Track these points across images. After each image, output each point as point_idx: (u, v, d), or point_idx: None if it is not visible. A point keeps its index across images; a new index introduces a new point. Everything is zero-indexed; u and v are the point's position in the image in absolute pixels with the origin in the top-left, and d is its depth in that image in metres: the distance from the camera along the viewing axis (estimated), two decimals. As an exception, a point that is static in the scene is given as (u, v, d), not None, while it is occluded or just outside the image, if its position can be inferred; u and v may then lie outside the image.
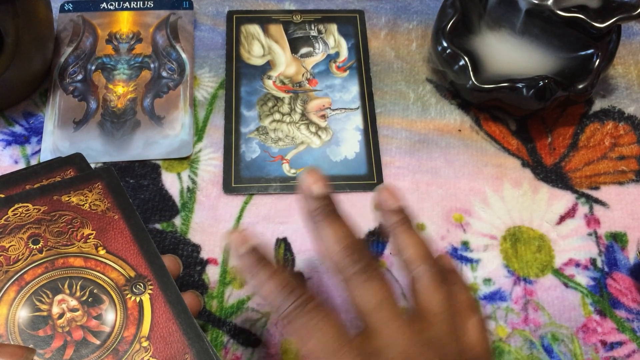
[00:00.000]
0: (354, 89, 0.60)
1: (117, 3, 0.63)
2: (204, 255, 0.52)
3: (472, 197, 0.55)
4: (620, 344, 0.49)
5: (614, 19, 0.52)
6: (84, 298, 0.38)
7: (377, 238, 0.53)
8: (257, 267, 0.36)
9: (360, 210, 0.54)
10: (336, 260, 0.37)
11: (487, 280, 0.52)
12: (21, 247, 0.39)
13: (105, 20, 0.62)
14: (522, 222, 0.54)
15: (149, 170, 0.55)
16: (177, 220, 0.53)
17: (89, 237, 0.40)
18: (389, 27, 0.64)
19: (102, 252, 0.39)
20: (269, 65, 0.61)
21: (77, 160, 0.44)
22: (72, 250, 0.39)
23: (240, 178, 0.55)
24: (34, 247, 0.39)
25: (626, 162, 0.57)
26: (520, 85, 0.53)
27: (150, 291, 0.38)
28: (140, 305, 0.38)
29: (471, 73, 0.55)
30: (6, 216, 0.40)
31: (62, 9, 0.62)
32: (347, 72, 0.61)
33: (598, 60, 0.54)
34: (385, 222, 0.40)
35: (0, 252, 0.38)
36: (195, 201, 0.54)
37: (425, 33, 0.64)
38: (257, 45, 0.62)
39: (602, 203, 0.55)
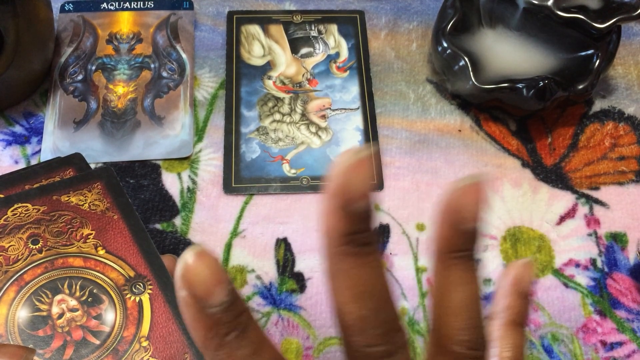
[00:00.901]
0: (354, 89, 0.60)
1: (117, 3, 0.63)
2: (204, 255, 0.52)
3: (472, 198, 0.55)
4: (620, 344, 0.49)
5: (614, 20, 0.52)
6: (84, 298, 0.38)
7: (377, 238, 0.53)
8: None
9: (360, 211, 0.54)
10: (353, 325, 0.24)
11: (487, 281, 0.52)
12: (21, 247, 0.39)
13: (105, 20, 0.62)
14: (522, 223, 0.54)
15: (149, 170, 0.55)
16: (177, 221, 0.53)
17: (89, 237, 0.40)
18: (389, 27, 0.64)
19: (101, 252, 0.39)
20: (269, 66, 0.61)
21: (76, 160, 0.44)
22: (71, 250, 0.39)
23: (240, 178, 0.55)
24: (34, 247, 0.39)
25: (626, 162, 0.57)
26: (520, 85, 0.53)
27: (149, 291, 0.38)
28: (140, 305, 0.38)
29: (471, 73, 0.55)
30: (5, 216, 0.40)
31: (62, 9, 0.62)
32: (347, 72, 0.61)
33: (598, 61, 0.54)
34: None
35: (0, 252, 0.38)
36: (195, 201, 0.54)
37: (426, 33, 0.64)
38: (258, 46, 0.62)
39: (602, 203, 0.55)
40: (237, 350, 0.23)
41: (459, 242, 0.26)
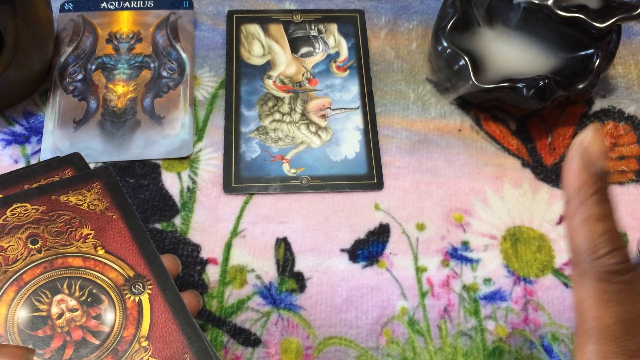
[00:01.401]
0: (354, 88, 0.60)
1: (117, 3, 0.63)
2: (204, 255, 0.52)
3: (472, 197, 0.55)
4: (620, 344, 0.49)
5: (614, 19, 0.52)
6: (83, 298, 0.38)
7: (377, 238, 0.53)
8: (594, 197, 0.32)
9: (361, 210, 0.54)
10: None
11: (487, 280, 0.52)
12: (20, 247, 0.39)
13: (105, 19, 0.62)
14: (522, 222, 0.54)
15: (149, 170, 0.55)
16: (177, 220, 0.53)
17: (88, 237, 0.40)
18: (389, 27, 0.64)
19: (101, 252, 0.39)
20: (269, 65, 0.61)
21: (75, 159, 0.44)
22: (71, 250, 0.39)
23: (240, 178, 0.55)
24: (33, 247, 0.39)
25: (626, 162, 0.57)
26: (520, 85, 0.53)
27: (149, 291, 0.38)
28: (140, 305, 0.38)
29: (471, 73, 0.54)
30: (4, 216, 0.40)
31: (62, 9, 0.62)
32: (347, 71, 0.61)
33: (598, 60, 0.54)
34: None
35: None
36: (195, 201, 0.54)
37: (426, 33, 0.64)
38: (257, 45, 0.62)
39: (602, 203, 0.55)
40: (594, 206, 0.31)
41: None
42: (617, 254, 0.31)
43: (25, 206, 0.40)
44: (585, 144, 0.32)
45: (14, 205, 0.40)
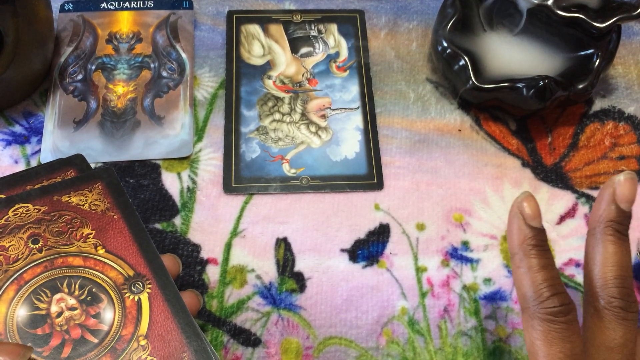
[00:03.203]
0: (354, 88, 0.60)
1: (117, 3, 0.63)
2: (204, 255, 0.52)
3: (472, 197, 0.55)
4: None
5: (614, 19, 0.52)
6: (83, 297, 0.38)
7: (378, 238, 0.53)
8: (534, 250, 0.37)
9: (361, 210, 0.54)
10: (609, 288, 0.37)
11: (487, 280, 0.52)
12: (21, 246, 0.39)
13: (105, 20, 0.62)
14: (522, 222, 0.54)
15: (149, 170, 0.55)
16: (177, 220, 0.53)
17: (89, 236, 0.40)
18: (389, 27, 0.64)
19: (101, 251, 0.39)
20: (269, 65, 0.61)
21: (77, 161, 0.45)
22: (71, 249, 0.39)
23: (240, 178, 0.55)
24: (34, 246, 0.39)
25: (626, 162, 0.57)
26: (520, 85, 0.53)
27: (148, 290, 0.38)
28: (139, 304, 0.38)
29: (471, 73, 0.55)
30: (6, 216, 0.40)
31: (62, 9, 0.62)
32: (347, 72, 0.61)
33: (598, 60, 0.54)
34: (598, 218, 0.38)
35: (0, 252, 0.38)
36: (195, 201, 0.54)
37: (426, 33, 0.64)
38: (257, 45, 0.62)
39: (602, 203, 0.55)
40: (534, 258, 0.37)
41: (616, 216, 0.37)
42: (558, 297, 0.36)
43: (27, 206, 0.40)
44: (522, 205, 0.37)
45: (16, 206, 0.40)
